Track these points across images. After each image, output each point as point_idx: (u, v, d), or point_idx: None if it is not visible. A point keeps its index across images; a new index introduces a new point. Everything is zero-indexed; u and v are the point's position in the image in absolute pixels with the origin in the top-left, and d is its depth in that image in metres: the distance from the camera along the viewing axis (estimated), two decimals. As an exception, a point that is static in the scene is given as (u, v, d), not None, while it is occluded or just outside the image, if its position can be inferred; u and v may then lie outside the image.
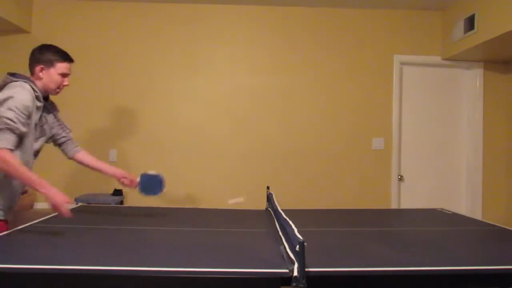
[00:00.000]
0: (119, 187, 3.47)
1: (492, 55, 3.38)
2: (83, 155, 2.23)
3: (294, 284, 1.09)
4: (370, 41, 3.60)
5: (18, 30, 3.39)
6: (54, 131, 2.12)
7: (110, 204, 3.06)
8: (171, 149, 3.51)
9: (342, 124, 3.58)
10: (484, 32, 2.96)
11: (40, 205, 3.40)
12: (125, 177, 2.24)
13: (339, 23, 3.60)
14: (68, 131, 2.19)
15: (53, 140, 2.16)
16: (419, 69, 3.68)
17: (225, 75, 3.55)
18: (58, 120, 2.15)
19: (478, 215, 3.56)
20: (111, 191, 3.45)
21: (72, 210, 2.22)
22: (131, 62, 3.52)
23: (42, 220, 1.88)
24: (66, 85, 1.99)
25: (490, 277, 1.21)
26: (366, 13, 3.60)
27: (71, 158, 2.22)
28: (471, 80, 3.65)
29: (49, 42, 3.39)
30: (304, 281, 1.08)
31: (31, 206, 3.24)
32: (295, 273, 1.10)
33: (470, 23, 3.12)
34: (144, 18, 3.53)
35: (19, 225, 1.76)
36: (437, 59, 3.61)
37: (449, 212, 2.37)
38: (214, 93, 3.55)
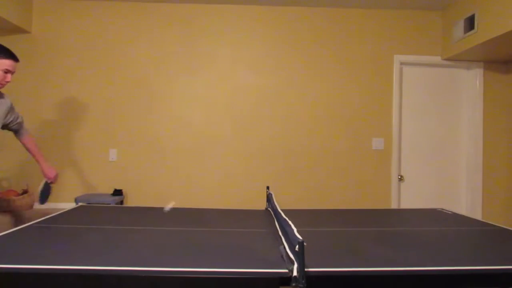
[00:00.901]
0: (119, 187, 3.47)
1: (492, 55, 3.38)
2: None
3: (293, 284, 1.09)
4: (370, 41, 3.60)
5: (18, 30, 3.39)
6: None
7: (110, 204, 3.06)
8: (171, 149, 3.51)
9: (342, 124, 3.58)
10: (484, 32, 2.96)
11: (40, 205, 3.41)
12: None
13: (339, 23, 3.60)
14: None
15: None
16: (419, 69, 3.68)
17: (226, 75, 3.55)
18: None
19: (478, 215, 3.56)
20: (111, 191, 3.45)
21: (72, 210, 2.23)
22: (131, 61, 3.52)
23: (42, 220, 1.88)
24: (8, 82, 2.16)
25: (490, 277, 1.21)
26: (366, 13, 3.60)
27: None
28: (471, 80, 3.65)
29: (49, 42, 3.41)
30: (303, 281, 1.08)
31: (31, 206, 3.24)
32: (295, 273, 1.10)
33: (470, 23, 3.12)
34: (144, 18, 3.53)
35: (19, 225, 1.76)
36: (437, 59, 3.61)
37: (449, 212, 2.37)
38: (215, 93, 3.55)
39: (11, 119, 2.35)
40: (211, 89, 3.55)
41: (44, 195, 2.49)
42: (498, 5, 2.80)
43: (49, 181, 2.49)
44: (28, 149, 2.49)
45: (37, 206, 3.38)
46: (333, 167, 3.56)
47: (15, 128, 2.42)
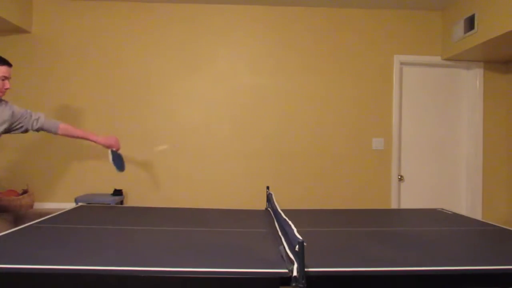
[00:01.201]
0: (119, 187, 3.47)
1: (492, 55, 3.38)
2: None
3: (293, 284, 1.09)
4: (370, 41, 3.60)
5: (18, 30, 3.39)
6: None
7: (110, 204, 3.06)
8: (171, 149, 3.51)
9: (342, 124, 3.58)
10: (484, 32, 2.96)
11: (40, 205, 3.41)
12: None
13: (339, 23, 3.60)
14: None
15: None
16: (419, 69, 3.68)
17: (226, 75, 3.55)
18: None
19: (478, 215, 3.56)
20: (111, 191, 3.45)
21: (72, 210, 2.23)
22: (131, 61, 3.52)
23: (42, 220, 1.88)
24: (7, 88, 2.18)
25: (490, 277, 1.21)
26: (366, 13, 3.60)
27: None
28: (471, 80, 3.65)
29: (49, 42, 3.42)
30: (303, 281, 1.08)
31: (31, 206, 3.24)
32: (295, 273, 1.10)
33: (470, 23, 3.12)
34: (144, 18, 3.53)
35: (19, 225, 1.76)
36: (437, 59, 3.61)
37: (449, 212, 2.37)
38: (215, 93, 3.55)
39: (19, 123, 2.31)
40: (211, 89, 3.55)
41: (118, 162, 2.48)
42: (498, 5, 2.80)
43: (113, 149, 2.47)
44: (72, 137, 2.46)
45: (37, 206, 3.39)
46: (333, 167, 3.56)
47: (37, 127, 2.37)
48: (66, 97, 3.48)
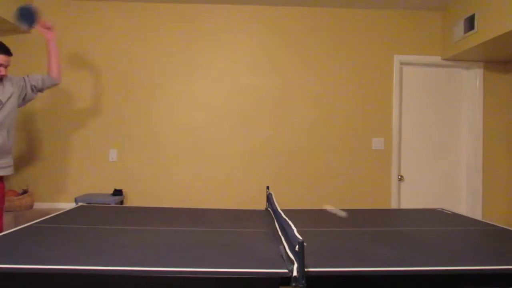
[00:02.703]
0: (119, 187, 3.47)
1: (492, 55, 3.38)
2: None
3: (293, 284, 1.09)
4: (370, 41, 3.60)
5: (18, 30, 3.39)
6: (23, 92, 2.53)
7: (110, 204, 3.06)
8: (171, 149, 3.51)
9: (342, 124, 3.58)
10: (484, 32, 2.96)
11: (40, 205, 3.41)
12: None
13: (339, 23, 3.60)
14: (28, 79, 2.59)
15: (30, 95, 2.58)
16: (419, 69, 3.68)
17: (225, 75, 3.55)
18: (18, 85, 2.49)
19: (478, 215, 3.56)
20: (111, 191, 3.45)
21: (72, 210, 2.23)
22: (131, 61, 3.52)
23: (42, 220, 1.88)
24: (2, 75, 2.31)
25: (490, 277, 1.21)
26: (366, 13, 3.60)
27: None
28: (471, 80, 3.65)
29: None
30: (303, 281, 1.08)
31: (31, 206, 3.24)
32: (295, 273, 1.10)
33: (470, 23, 3.12)
34: (144, 18, 3.53)
35: (19, 225, 1.76)
36: (437, 59, 3.61)
37: (449, 212, 2.37)
38: (214, 93, 3.55)
39: (26, 91, 2.51)
40: (211, 89, 3.55)
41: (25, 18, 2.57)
42: (498, 5, 2.80)
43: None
44: (54, 62, 2.65)
45: (37, 206, 3.39)
46: (333, 167, 3.56)
47: (47, 86, 2.61)
48: (65, 97, 3.48)
